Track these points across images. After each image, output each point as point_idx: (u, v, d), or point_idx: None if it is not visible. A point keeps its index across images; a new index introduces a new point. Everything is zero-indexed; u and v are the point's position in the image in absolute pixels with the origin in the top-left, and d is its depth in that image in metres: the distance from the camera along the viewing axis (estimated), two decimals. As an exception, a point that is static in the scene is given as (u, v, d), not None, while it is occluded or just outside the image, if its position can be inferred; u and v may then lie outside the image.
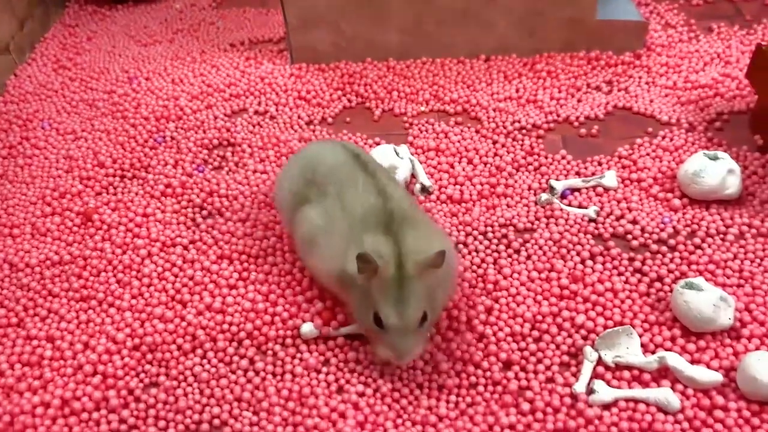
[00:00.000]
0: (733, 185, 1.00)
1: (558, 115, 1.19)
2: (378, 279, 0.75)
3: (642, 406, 0.78)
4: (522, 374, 0.82)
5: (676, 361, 0.80)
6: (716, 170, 0.99)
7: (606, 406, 0.79)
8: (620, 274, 0.93)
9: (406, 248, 0.77)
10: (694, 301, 0.83)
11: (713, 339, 0.84)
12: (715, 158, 1.01)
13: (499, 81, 1.27)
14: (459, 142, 1.15)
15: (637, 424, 0.77)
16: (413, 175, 1.08)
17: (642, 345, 0.84)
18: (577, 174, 1.08)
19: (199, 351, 0.86)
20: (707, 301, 0.83)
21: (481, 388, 0.81)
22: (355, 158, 0.89)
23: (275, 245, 0.98)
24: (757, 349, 0.83)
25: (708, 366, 0.82)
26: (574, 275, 0.92)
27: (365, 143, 1.16)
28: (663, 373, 0.81)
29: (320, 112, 1.24)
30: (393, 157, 1.04)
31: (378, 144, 1.16)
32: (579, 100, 1.23)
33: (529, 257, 0.96)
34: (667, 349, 0.84)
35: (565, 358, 0.84)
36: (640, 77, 1.27)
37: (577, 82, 1.26)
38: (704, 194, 1.00)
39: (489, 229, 0.99)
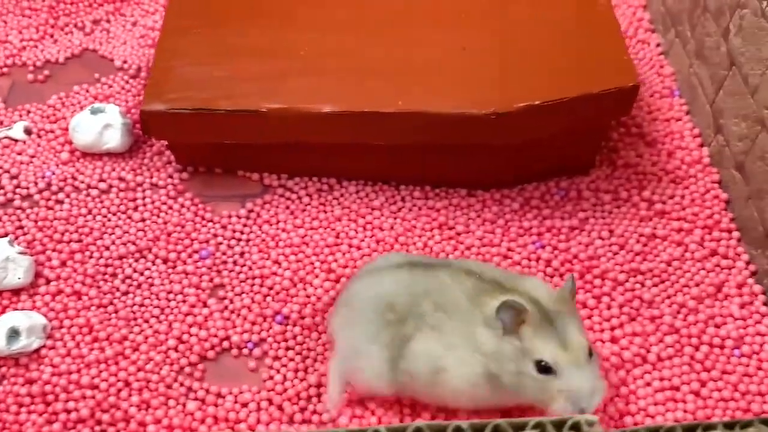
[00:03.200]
0: (112, 140, 1.03)
1: (20, 57, 1.18)
2: (528, 326, 0.71)
3: None
4: None
5: None
6: (92, 125, 1.02)
7: None
8: (-30, 231, 0.98)
9: (532, 294, 0.73)
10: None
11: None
12: (98, 111, 1.03)
13: None
14: None
15: None
16: None
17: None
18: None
19: None
20: None
21: None
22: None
23: None
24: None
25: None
26: None
27: None
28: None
29: None
30: None
31: None
32: (56, 41, 1.22)
33: None
34: None
35: None
36: (132, 15, 1.23)
37: (60, 20, 1.22)
38: (86, 147, 1.03)
39: None
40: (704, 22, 1.05)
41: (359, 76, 0.93)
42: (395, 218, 0.99)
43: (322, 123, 0.90)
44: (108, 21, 1.23)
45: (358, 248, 0.96)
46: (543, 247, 0.97)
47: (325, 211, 1.00)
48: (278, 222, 0.98)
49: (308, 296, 0.91)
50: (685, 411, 0.84)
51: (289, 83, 0.92)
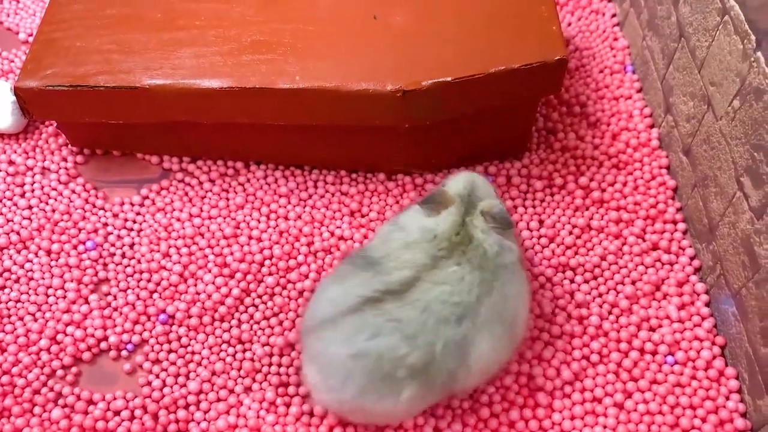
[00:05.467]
0: (1, 119, 0.94)
1: None
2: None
3: None
4: None
5: None
6: (-23, 104, 0.94)
7: None
8: None
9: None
10: None
11: None
12: (-15, 90, 0.95)
13: None
14: None
15: None
16: None
17: None
18: None
19: None
20: None
21: None
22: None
23: None
24: None
25: None
26: None
27: None
28: None
29: None
30: None
31: None
32: (-39, 13, 1.14)
33: None
34: None
35: None
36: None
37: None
38: (-26, 129, 0.96)
39: None
40: (655, -12, 0.95)
41: (254, 49, 0.83)
42: (303, 206, 0.91)
43: (210, 100, 0.81)
44: (20, -9, 1.15)
45: (259, 240, 0.87)
46: (464, 239, 0.88)
47: (227, 199, 0.91)
48: (173, 210, 0.90)
49: (197, 293, 0.83)
50: (605, 426, 0.75)
51: (176, 57, 0.83)
